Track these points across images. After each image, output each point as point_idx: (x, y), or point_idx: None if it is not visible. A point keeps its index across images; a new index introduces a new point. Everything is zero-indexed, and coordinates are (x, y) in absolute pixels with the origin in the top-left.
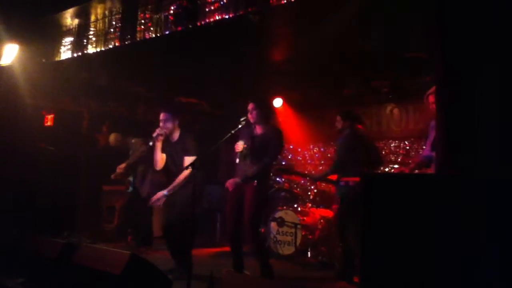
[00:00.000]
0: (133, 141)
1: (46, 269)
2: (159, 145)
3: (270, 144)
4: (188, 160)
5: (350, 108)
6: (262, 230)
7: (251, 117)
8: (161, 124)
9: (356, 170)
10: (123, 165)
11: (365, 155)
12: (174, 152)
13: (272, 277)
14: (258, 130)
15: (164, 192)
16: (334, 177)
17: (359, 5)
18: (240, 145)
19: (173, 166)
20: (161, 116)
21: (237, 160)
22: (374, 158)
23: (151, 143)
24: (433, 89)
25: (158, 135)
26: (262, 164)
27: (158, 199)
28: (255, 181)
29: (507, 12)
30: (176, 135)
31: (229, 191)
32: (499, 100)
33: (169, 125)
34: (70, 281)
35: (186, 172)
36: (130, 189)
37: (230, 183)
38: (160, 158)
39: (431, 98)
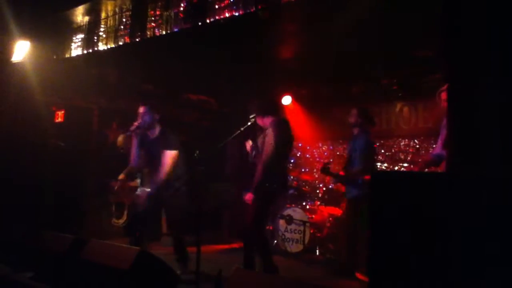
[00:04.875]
0: None
1: (55, 264)
2: (135, 140)
3: (267, 142)
4: (169, 154)
5: (367, 107)
6: (270, 227)
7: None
8: (139, 117)
9: None
10: (121, 176)
11: None
12: (153, 148)
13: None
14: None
15: (147, 190)
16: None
17: (368, 3)
18: (248, 145)
19: (151, 163)
20: (140, 109)
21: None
22: None
23: (128, 133)
24: (445, 86)
25: (136, 128)
26: (260, 167)
27: (143, 199)
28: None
29: None
30: (156, 130)
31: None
32: (504, 99)
33: (147, 118)
34: (79, 276)
35: (165, 168)
36: (139, 191)
37: (249, 198)
38: (136, 154)
39: (444, 95)
